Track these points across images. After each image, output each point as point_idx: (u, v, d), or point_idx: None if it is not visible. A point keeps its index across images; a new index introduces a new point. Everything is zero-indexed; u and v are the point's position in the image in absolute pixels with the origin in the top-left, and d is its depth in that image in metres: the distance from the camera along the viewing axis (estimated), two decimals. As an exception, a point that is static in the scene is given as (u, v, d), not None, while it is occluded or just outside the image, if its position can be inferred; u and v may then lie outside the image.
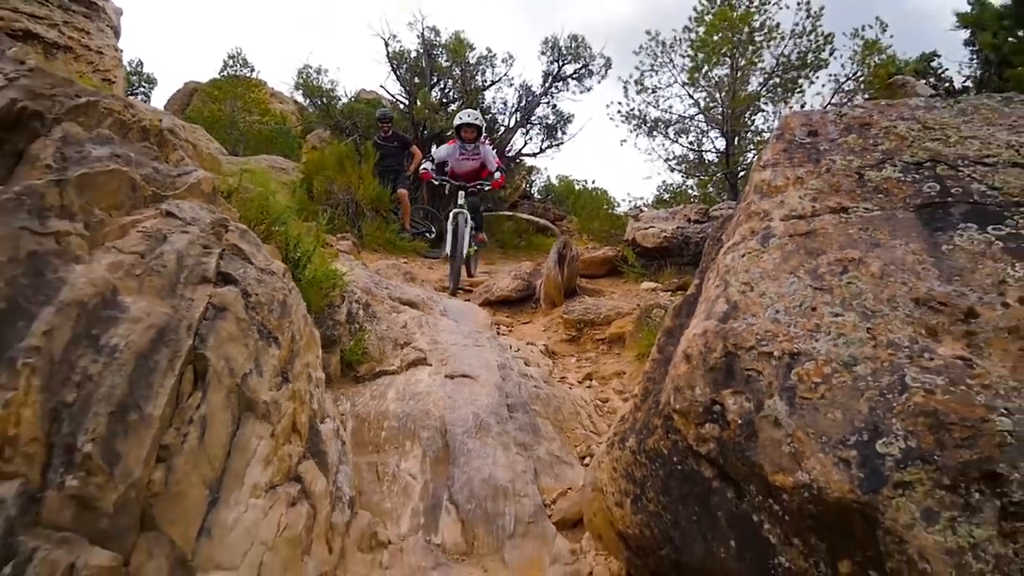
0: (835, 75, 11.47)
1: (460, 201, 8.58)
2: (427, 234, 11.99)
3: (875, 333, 2.05)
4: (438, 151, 9.29)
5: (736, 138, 12.24)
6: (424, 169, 8.91)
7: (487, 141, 9.54)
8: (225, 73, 22.37)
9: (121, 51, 13.42)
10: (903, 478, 1.74)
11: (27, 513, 1.68)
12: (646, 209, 12.08)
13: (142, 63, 26.74)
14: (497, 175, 8.94)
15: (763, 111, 12.32)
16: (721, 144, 12.10)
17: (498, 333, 6.43)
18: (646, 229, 8.53)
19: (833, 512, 1.81)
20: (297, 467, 2.44)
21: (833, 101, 11.56)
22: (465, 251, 8.43)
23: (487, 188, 8.95)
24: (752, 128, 12.45)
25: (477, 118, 9.27)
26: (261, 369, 2.39)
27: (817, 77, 11.48)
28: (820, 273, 2.26)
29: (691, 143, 12.93)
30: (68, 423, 1.80)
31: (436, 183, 9.27)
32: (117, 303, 2.08)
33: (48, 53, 10.13)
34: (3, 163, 2.22)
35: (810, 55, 11.31)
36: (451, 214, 8.55)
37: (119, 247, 2.32)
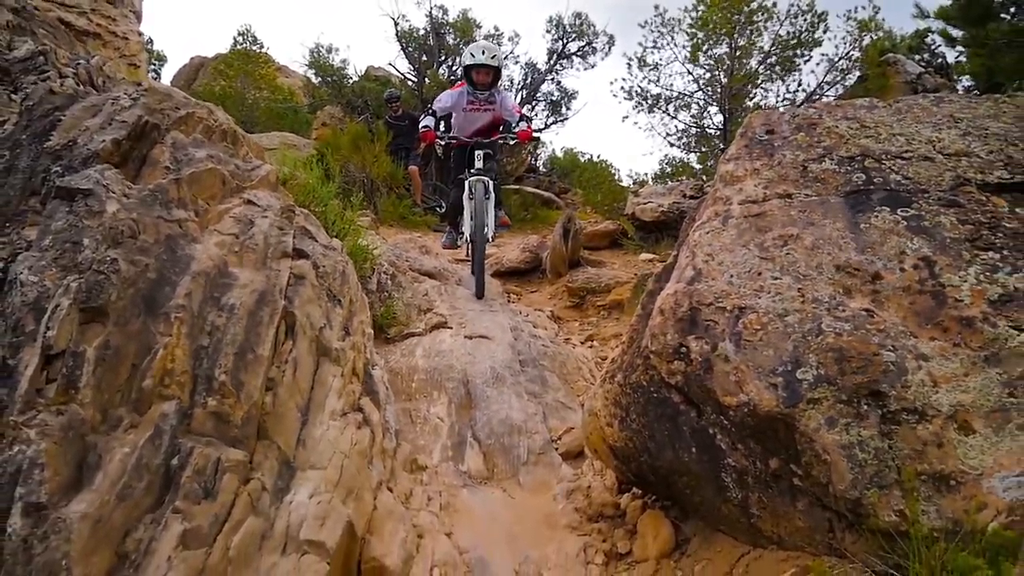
0: (827, 55, 11.96)
1: (477, 164, 6.29)
2: (438, 208, 12.62)
3: (804, 292, 2.70)
4: (440, 99, 6.58)
5: (734, 115, 12.77)
6: (425, 128, 6.20)
7: (503, 87, 6.97)
8: (234, 49, 22.70)
9: (144, 36, 13.99)
10: (813, 396, 2.40)
11: (182, 423, 2.37)
12: (648, 183, 12.69)
13: (152, 41, 27.22)
14: (523, 124, 6.27)
15: (761, 88, 12.83)
16: (720, 120, 12.65)
17: (508, 300, 7.09)
18: (645, 204, 9.16)
19: (764, 422, 2.48)
20: (359, 401, 3.13)
21: (827, 79, 12.08)
22: (492, 232, 6.48)
23: (512, 142, 6.50)
24: (751, 105, 12.96)
25: (494, 56, 6.45)
26: (331, 324, 3.08)
27: (811, 55, 11.98)
28: (766, 246, 2.91)
29: (693, 117, 13.47)
30: (206, 360, 2.49)
31: (443, 143, 6.69)
32: (228, 273, 2.76)
33: (79, 40, 10.70)
34: (133, 166, 2.88)
35: (804, 33, 11.79)
36: (466, 183, 6.34)
37: (219, 230, 2.99)
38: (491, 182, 6.34)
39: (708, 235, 3.06)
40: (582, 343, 6.06)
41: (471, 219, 6.25)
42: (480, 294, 6.17)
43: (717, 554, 2.74)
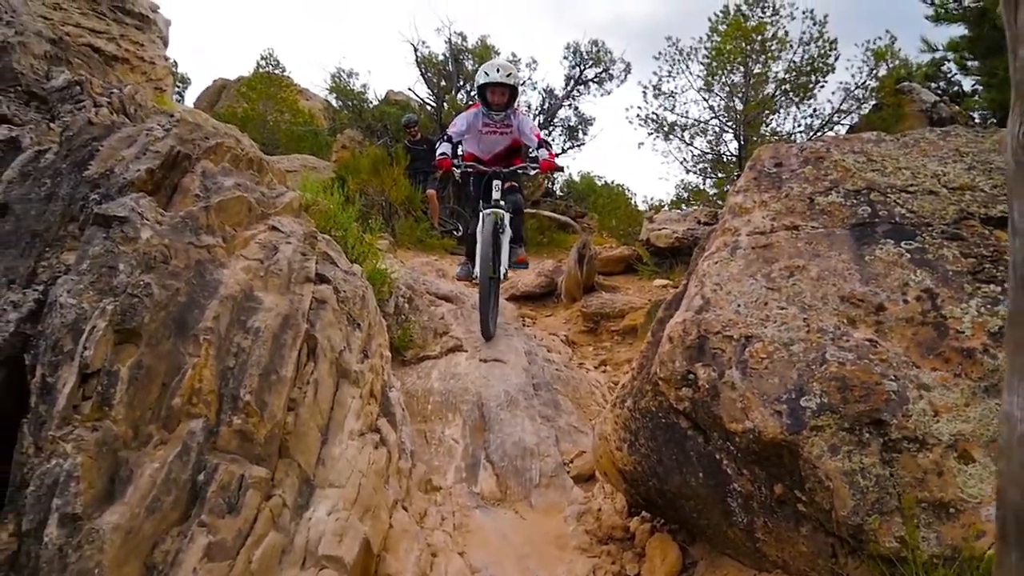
0: (843, 83, 12.06)
1: (495, 195, 5.71)
2: (455, 232, 12.78)
3: (809, 322, 2.78)
4: (454, 123, 6.02)
5: (749, 142, 12.87)
6: (442, 155, 5.65)
7: (522, 111, 6.47)
8: (257, 72, 23.13)
9: (170, 60, 14.37)
10: (817, 423, 2.47)
11: (209, 441, 2.48)
12: (664, 209, 12.78)
13: (176, 63, 27.82)
14: (544, 152, 5.75)
15: (776, 115, 12.93)
16: (735, 147, 12.75)
17: (523, 324, 7.18)
18: (659, 230, 9.26)
19: (769, 449, 2.55)
20: (376, 421, 3.23)
21: (842, 107, 12.16)
22: (504, 271, 5.88)
23: (533, 172, 5.88)
24: (766, 132, 13.06)
25: (510, 74, 5.88)
26: (351, 347, 3.19)
27: (826, 82, 12.08)
28: (773, 276, 2.99)
29: (709, 142, 13.59)
30: (232, 381, 2.60)
31: (458, 172, 6.04)
32: (254, 297, 2.88)
33: (108, 65, 11.03)
34: (166, 194, 3.03)
35: (817, 60, 11.91)
36: (481, 215, 5.75)
37: (245, 255, 3.11)
38: (507, 215, 5.80)
39: (716, 265, 3.15)
40: (595, 367, 6.14)
41: (482, 255, 5.59)
42: (488, 335, 5.67)
43: (723, 577, 2.80)
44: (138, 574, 2.11)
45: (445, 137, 5.86)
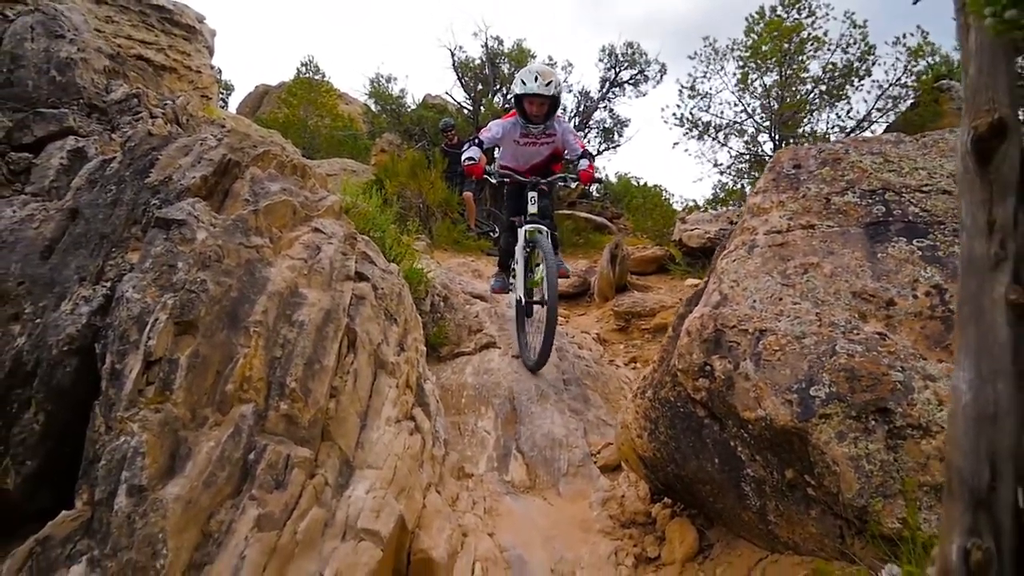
0: (878, 81, 11.98)
1: (532, 208, 5.32)
2: (491, 233, 13.00)
3: (821, 316, 2.91)
4: (488, 128, 5.52)
5: (784, 142, 12.86)
6: (469, 161, 5.12)
7: (563, 117, 5.64)
8: (298, 78, 23.67)
9: (216, 69, 14.87)
10: (825, 411, 2.61)
11: (258, 424, 2.72)
12: (697, 210, 12.83)
13: (220, 71, 28.58)
14: (584, 163, 5.38)
15: (812, 115, 12.89)
16: (770, 147, 12.76)
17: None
18: (691, 230, 9.35)
19: (780, 436, 2.69)
20: (412, 410, 3.44)
21: (877, 106, 12.08)
22: (549, 295, 4.94)
23: (573, 186, 5.76)
24: (801, 132, 13.03)
25: (550, 82, 5.24)
26: (388, 340, 3.41)
27: (863, 84, 12.02)
28: (788, 273, 3.13)
29: (746, 143, 13.61)
30: (279, 369, 2.84)
31: (494, 179, 5.52)
32: (299, 293, 3.11)
33: (157, 75, 11.51)
34: (218, 199, 3.28)
35: (856, 63, 11.86)
36: (521, 232, 5.41)
37: (291, 255, 3.35)
38: (547, 231, 5.27)
39: (734, 263, 3.30)
40: (625, 364, 6.28)
41: (523, 278, 5.37)
42: (542, 365, 5.14)
43: (738, 558, 2.95)
44: (196, 540, 2.34)
45: (475, 141, 5.31)
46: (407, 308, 3.85)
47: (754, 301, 3.08)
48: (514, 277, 5.66)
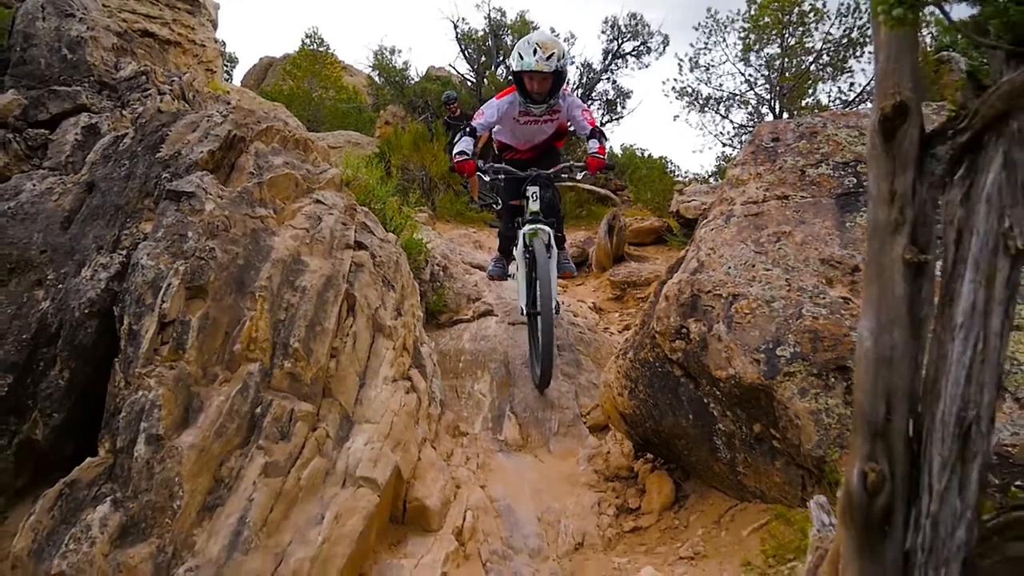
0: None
1: (532, 205, 4.75)
2: (494, 205, 13.13)
3: (791, 282, 3.10)
4: (482, 112, 4.84)
5: (785, 113, 12.93)
6: (461, 156, 4.54)
7: (567, 91, 4.93)
8: (302, 50, 23.66)
9: (220, 42, 14.96)
10: (789, 370, 2.81)
11: (264, 380, 2.94)
12: (695, 182, 12.96)
13: (224, 43, 28.53)
14: (594, 144, 4.68)
15: (814, 87, 12.95)
16: (768, 120, 12.85)
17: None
18: (688, 202, 9.49)
19: (748, 392, 2.90)
20: (408, 371, 3.67)
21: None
22: (554, 302, 4.59)
23: (580, 175, 4.95)
24: (804, 104, 13.09)
25: (551, 55, 4.47)
26: (385, 305, 3.62)
27: (863, 53, 12.04)
28: (761, 242, 3.32)
29: (750, 115, 13.69)
30: (283, 331, 3.06)
31: (487, 178, 5.05)
32: (301, 260, 3.32)
33: (162, 49, 11.63)
34: (224, 172, 3.48)
35: (855, 32, 11.89)
36: (520, 234, 4.86)
37: (293, 225, 3.55)
38: (550, 232, 4.73)
39: (712, 232, 3.49)
40: (619, 332, 6.48)
41: (527, 288, 4.79)
42: (545, 383, 4.62)
43: (710, 506, 3.18)
44: (209, 484, 2.58)
45: (467, 129, 4.70)
46: (404, 275, 4.06)
47: (729, 268, 3.27)
48: (520, 292, 5.00)
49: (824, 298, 2.99)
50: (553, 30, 17.51)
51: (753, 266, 3.23)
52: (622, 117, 17.69)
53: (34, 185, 3.43)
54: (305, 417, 2.92)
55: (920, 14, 1.39)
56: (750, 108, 13.67)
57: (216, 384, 2.81)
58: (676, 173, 15.17)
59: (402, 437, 3.21)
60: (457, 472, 3.60)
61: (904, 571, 1.36)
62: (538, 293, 4.50)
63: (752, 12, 12.48)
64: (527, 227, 4.76)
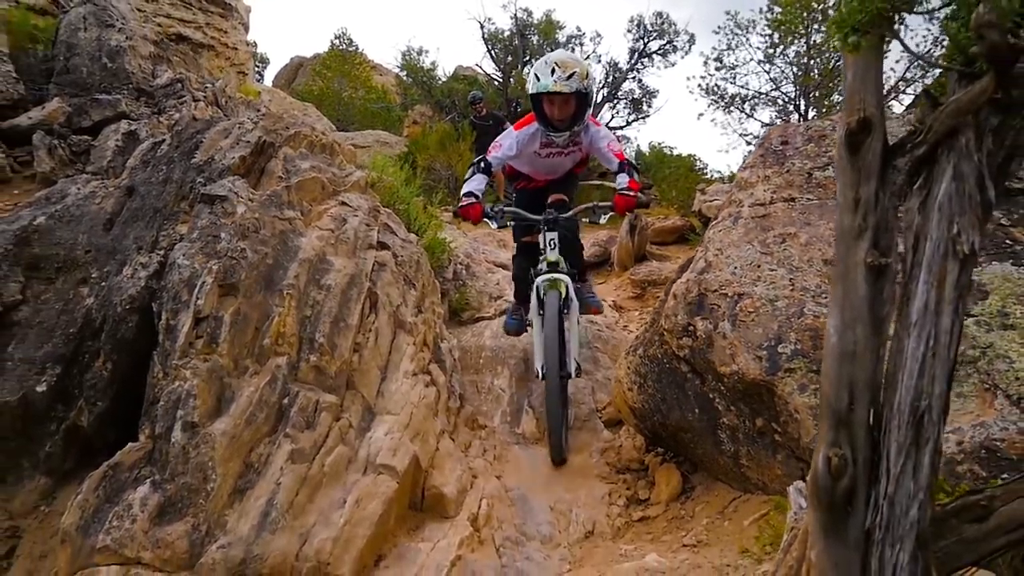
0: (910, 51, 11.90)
1: (550, 255, 4.23)
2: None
3: (794, 282, 3.22)
4: (499, 143, 4.25)
5: (812, 112, 12.92)
6: (467, 200, 3.99)
7: (592, 119, 4.39)
8: (332, 51, 23.97)
9: (252, 44, 15.30)
10: (790, 366, 2.93)
11: (291, 373, 3.13)
12: (724, 180, 13.00)
13: (256, 44, 29.02)
14: (623, 179, 4.04)
15: (840, 85, 12.89)
16: (796, 119, 12.83)
17: (575, 291, 7.68)
18: (711, 201, 9.56)
19: (751, 388, 3.02)
20: (428, 366, 3.84)
21: (906, 76, 12.06)
22: (574, 366, 4.21)
23: (604, 218, 4.25)
24: (831, 102, 13.04)
25: (572, 75, 3.91)
26: (407, 303, 3.80)
27: (889, 50, 11.95)
28: (767, 243, 3.43)
29: (778, 112, 13.69)
30: (309, 327, 3.25)
31: (495, 226, 4.25)
32: (327, 260, 3.51)
33: (195, 52, 11.97)
34: (255, 176, 3.68)
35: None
36: (536, 288, 4.28)
37: (319, 226, 3.75)
38: (570, 284, 4.22)
39: (720, 233, 3.61)
40: (639, 330, 6.61)
41: (543, 347, 4.10)
42: (560, 458, 3.99)
43: (715, 498, 3.31)
44: (240, 469, 2.77)
45: (480, 166, 4.14)
46: (425, 274, 4.24)
47: (735, 268, 3.39)
48: (535, 351, 4.30)
49: (826, 298, 3.10)
50: (579, 29, 17.65)
51: (758, 266, 3.35)
52: (648, 116, 17.74)
53: (78, 189, 3.66)
54: (329, 408, 3.11)
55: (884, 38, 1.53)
56: (778, 107, 13.67)
57: (247, 376, 3.00)
58: (704, 171, 15.17)
59: (421, 428, 3.39)
60: (474, 462, 3.77)
61: (865, 548, 1.49)
62: (539, 352, 4.12)
63: (775, 13, 12.48)
64: (540, 278, 4.21)
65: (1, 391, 2.96)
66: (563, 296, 4.14)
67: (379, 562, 2.90)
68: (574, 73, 3.91)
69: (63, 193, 3.65)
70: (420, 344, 3.82)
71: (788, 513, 1.89)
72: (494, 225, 4.19)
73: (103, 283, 3.29)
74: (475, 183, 4.04)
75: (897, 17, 1.43)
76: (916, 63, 12.03)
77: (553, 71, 3.91)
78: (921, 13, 1.49)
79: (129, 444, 2.78)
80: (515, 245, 4.88)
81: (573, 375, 4.21)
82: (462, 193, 4.04)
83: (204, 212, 3.35)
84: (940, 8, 1.47)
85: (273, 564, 2.56)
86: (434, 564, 2.92)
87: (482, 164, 4.12)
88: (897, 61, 12.05)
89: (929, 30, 11.78)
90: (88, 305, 3.21)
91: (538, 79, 3.97)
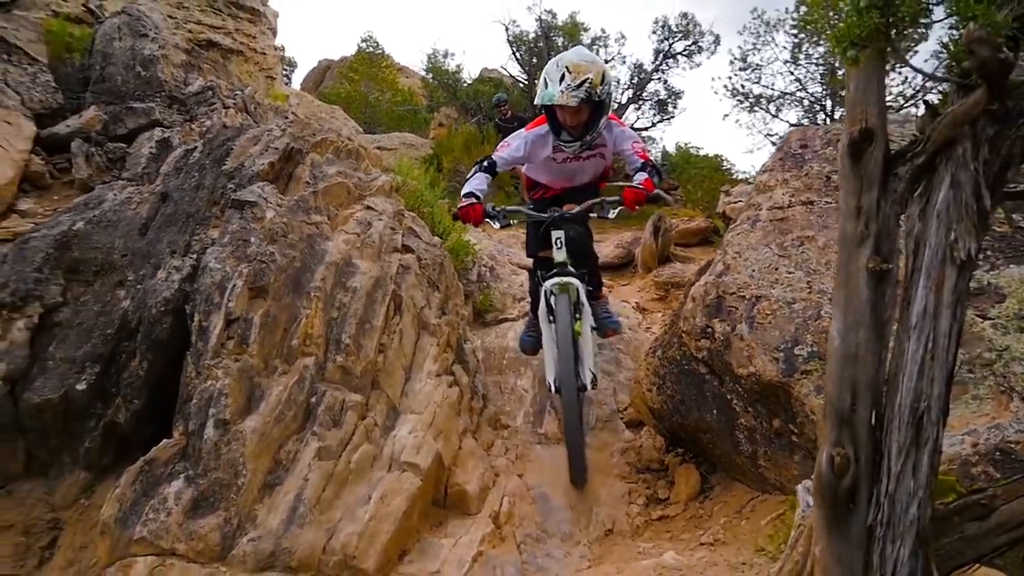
0: (938, 51, 11.78)
1: (557, 255, 3.81)
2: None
3: (812, 284, 3.25)
4: (507, 144, 3.90)
5: (839, 112, 12.81)
6: (467, 200, 3.61)
7: (616, 120, 4.02)
8: (359, 54, 24.19)
9: (279, 49, 15.55)
10: (806, 368, 2.97)
11: (319, 373, 3.23)
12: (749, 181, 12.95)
13: (283, 48, 29.33)
14: (641, 177, 3.69)
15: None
16: (822, 119, 12.76)
17: (599, 292, 7.73)
18: (735, 203, 9.52)
19: (768, 389, 3.07)
20: (451, 367, 3.93)
21: (935, 74, 11.89)
22: (590, 378, 3.84)
23: (612, 213, 3.81)
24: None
25: (585, 81, 3.48)
26: (430, 305, 3.89)
27: (917, 50, 11.83)
28: (785, 246, 3.47)
29: (807, 112, 13.60)
30: (336, 328, 3.35)
31: (498, 225, 3.77)
32: (352, 263, 3.61)
33: (224, 58, 12.20)
34: (283, 182, 3.80)
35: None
36: (544, 293, 3.85)
37: (345, 230, 3.85)
38: (581, 287, 3.86)
39: (738, 236, 3.65)
40: (661, 331, 6.64)
41: (555, 359, 3.83)
42: (579, 479, 3.76)
43: (733, 497, 3.36)
44: (269, 465, 2.88)
45: (484, 164, 3.80)
46: (448, 277, 4.33)
47: (753, 270, 3.43)
48: (547, 365, 4.00)
49: (843, 300, 3.13)
50: (603, 31, 17.65)
51: (776, 269, 3.39)
52: (673, 117, 17.68)
53: (115, 195, 3.81)
54: (355, 407, 3.21)
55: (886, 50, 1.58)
56: (803, 107, 13.59)
57: (276, 375, 3.11)
58: (730, 172, 15.09)
59: (444, 427, 3.47)
60: (496, 461, 3.84)
61: (867, 544, 1.55)
62: (553, 370, 3.81)
63: (801, 13, 12.40)
64: (550, 282, 3.80)
65: (44, 389, 3.10)
66: (574, 300, 3.81)
67: (403, 556, 3.00)
68: (586, 80, 3.48)
69: (100, 199, 3.79)
70: (443, 345, 3.90)
71: (796, 511, 1.94)
72: (497, 225, 3.77)
73: (139, 286, 3.42)
74: (476, 182, 3.70)
75: (894, 32, 1.48)
76: (944, 63, 11.89)
77: (563, 77, 3.49)
78: (920, 27, 1.54)
79: (164, 440, 2.90)
80: (530, 253, 4.33)
81: (589, 387, 3.86)
82: (462, 193, 3.68)
83: (235, 217, 3.47)
84: (939, 22, 1.52)
85: (301, 557, 2.67)
86: (456, 559, 3.01)
87: (486, 163, 3.78)
88: (925, 61, 11.77)
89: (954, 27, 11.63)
90: (124, 307, 3.35)
91: (546, 86, 3.57)
